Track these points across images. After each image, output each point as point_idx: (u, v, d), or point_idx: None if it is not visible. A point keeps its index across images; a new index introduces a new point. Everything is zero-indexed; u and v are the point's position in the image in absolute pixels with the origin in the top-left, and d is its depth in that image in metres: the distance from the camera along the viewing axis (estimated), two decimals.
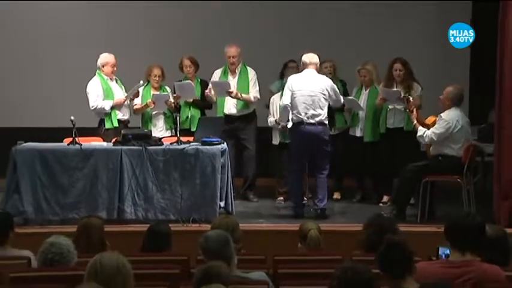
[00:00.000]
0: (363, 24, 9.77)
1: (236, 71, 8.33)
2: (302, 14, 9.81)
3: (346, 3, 9.70)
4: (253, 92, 8.33)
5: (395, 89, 7.97)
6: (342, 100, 7.81)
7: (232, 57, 8.26)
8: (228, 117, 8.27)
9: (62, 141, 7.39)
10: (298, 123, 7.47)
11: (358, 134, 8.27)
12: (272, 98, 8.44)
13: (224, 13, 9.73)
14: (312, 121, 7.42)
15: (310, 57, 7.57)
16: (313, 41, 9.27)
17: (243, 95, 8.24)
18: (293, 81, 7.56)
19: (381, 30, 9.73)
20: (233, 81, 8.29)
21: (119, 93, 8.03)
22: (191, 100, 8.28)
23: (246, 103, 8.32)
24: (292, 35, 9.69)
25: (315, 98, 7.43)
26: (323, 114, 7.46)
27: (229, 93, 8.16)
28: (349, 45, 9.57)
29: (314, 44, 8.80)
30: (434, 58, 9.63)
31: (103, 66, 7.96)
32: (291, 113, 7.50)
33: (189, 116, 8.29)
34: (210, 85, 8.25)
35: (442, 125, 7.29)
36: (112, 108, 7.92)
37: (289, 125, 7.60)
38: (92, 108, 7.92)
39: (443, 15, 9.54)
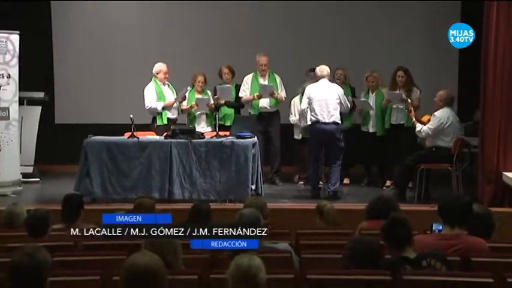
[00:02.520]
0: (362, 35, 9.61)
1: (265, 76, 8.35)
2: (316, 30, 9.75)
3: (350, 21, 9.61)
4: (282, 94, 8.35)
5: (398, 91, 7.94)
6: (349, 106, 7.79)
7: (264, 65, 8.29)
8: (261, 114, 8.29)
9: (123, 135, 7.44)
10: (315, 122, 7.48)
11: (371, 130, 8.22)
12: (293, 100, 8.43)
13: (255, 29, 9.71)
14: (326, 121, 7.42)
15: (322, 70, 7.59)
16: (325, 51, 9.29)
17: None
18: (310, 90, 7.58)
19: (377, 40, 9.54)
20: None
21: (170, 96, 8.06)
22: (223, 102, 8.28)
23: (277, 102, 8.33)
24: (311, 47, 9.62)
25: (328, 102, 7.43)
26: (336, 115, 7.45)
27: (273, 94, 8.21)
28: (353, 54, 9.45)
29: (324, 54, 8.88)
30: (425, 62, 9.33)
31: (157, 74, 8.01)
32: (309, 114, 7.51)
33: (225, 114, 8.30)
34: (260, 89, 8.20)
35: (435, 122, 7.25)
36: (163, 108, 7.96)
37: (308, 123, 7.60)
38: (147, 108, 7.96)
39: (432, 18, 9.29)
